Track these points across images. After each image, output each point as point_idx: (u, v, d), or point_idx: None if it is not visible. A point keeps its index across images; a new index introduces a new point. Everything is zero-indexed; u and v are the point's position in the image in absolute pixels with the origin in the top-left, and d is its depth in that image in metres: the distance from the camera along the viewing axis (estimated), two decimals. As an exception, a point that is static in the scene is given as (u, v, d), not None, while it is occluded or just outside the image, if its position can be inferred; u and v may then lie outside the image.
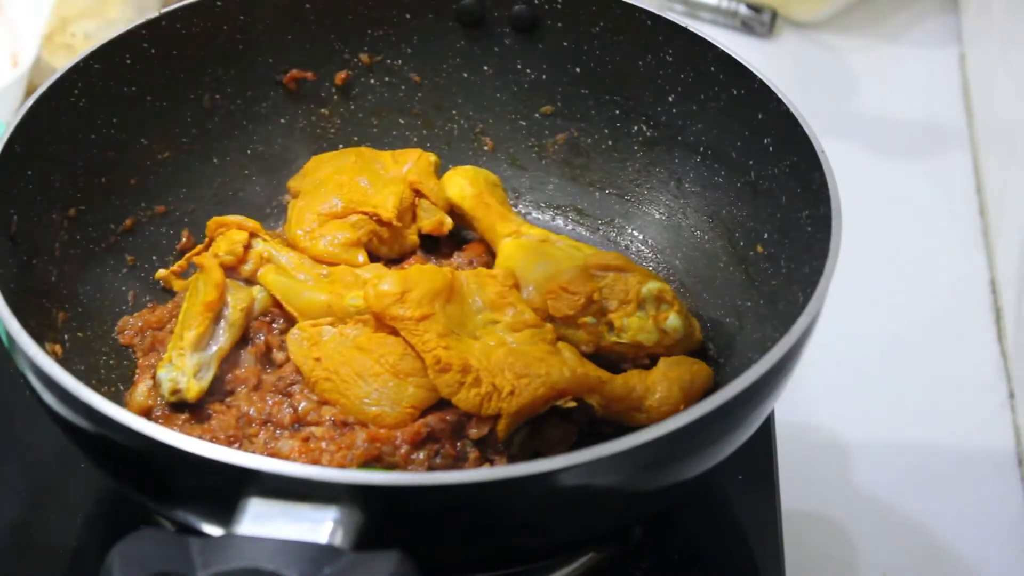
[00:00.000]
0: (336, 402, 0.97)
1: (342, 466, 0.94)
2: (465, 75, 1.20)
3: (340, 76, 1.19)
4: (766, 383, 0.86)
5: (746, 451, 0.94)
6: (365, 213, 1.10)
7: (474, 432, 0.96)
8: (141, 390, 1.01)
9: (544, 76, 1.19)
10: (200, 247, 1.08)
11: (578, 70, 1.17)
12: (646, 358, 1.04)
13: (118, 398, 1.03)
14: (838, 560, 1.17)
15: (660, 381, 0.99)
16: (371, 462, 0.94)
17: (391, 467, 0.95)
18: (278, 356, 1.03)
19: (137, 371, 1.04)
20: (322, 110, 1.20)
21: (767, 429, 1.10)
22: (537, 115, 1.20)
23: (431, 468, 0.95)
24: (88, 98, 1.06)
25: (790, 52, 1.73)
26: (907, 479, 1.23)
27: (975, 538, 1.19)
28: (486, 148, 1.21)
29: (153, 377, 1.01)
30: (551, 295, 1.03)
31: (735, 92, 1.08)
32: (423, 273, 1.00)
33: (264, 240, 1.07)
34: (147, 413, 1.00)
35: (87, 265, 1.06)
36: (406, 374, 0.97)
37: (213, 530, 0.84)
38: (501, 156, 1.21)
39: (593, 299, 1.03)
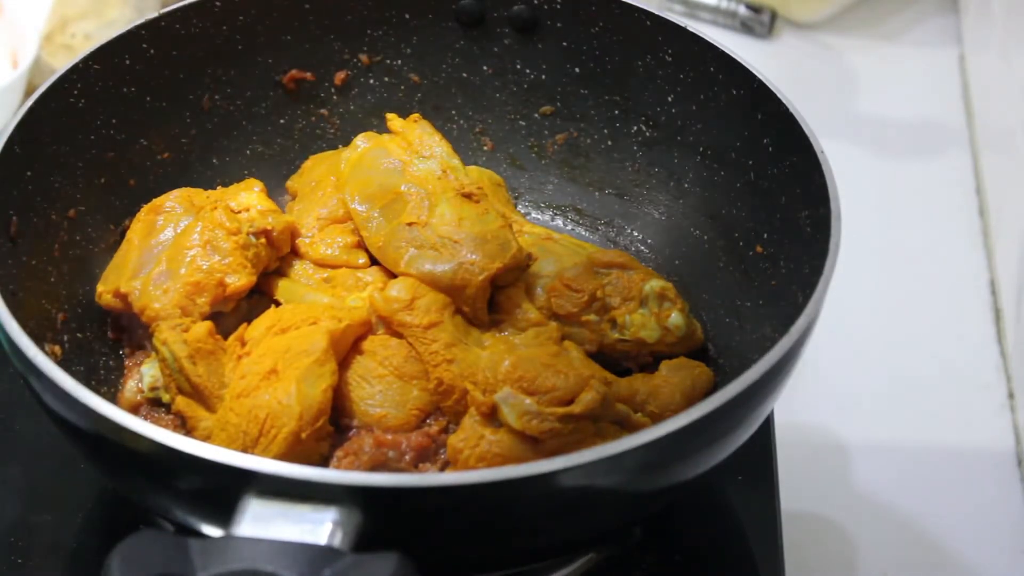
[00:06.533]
0: (340, 404, 0.97)
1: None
2: (465, 75, 1.20)
3: (340, 76, 1.19)
4: (766, 383, 0.86)
5: (746, 451, 0.94)
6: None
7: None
8: (131, 387, 1.02)
9: (544, 76, 1.19)
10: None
11: (578, 70, 1.17)
12: (648, 356, 1.04)
13: (117, 399, 1.03)
14: (838, 560, 1.17)
15: (663, 386, 0.99)
16: (378, 468, 0.94)
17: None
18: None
19: (126, 368, 1.04)
20: (322, 110, 1.20)
21: (767, 429, 1.10)
22: (537, 115, 1.20)
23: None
24: (88, 98, 1.06)
25: (790, 52, 1.73)
26: (907, 479, 1.23)
27: (975, 538, 1.19)
28: (486, 148, 1.21)
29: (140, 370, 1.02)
30: (555, 292, 1.03)
31: (735, 92, 1.08)
32: None
33: (264, 241, 1.07)
34: (136, 409, 1.00)
35: (87, 265, 1.06)
36: (411, 377, 0.97)
37: (212, 531, 0.84)
38: (501, 156, 1.21)
39: (596, 296, 1.03)
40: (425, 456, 0.95)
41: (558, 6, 1.15)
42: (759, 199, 1.07)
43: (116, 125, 1.09)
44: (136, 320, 1.02)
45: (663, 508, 0.98)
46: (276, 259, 1.06)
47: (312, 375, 0.93)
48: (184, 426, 0.97)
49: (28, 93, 1.20)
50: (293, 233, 1.07)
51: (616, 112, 1.17)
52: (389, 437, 0.95)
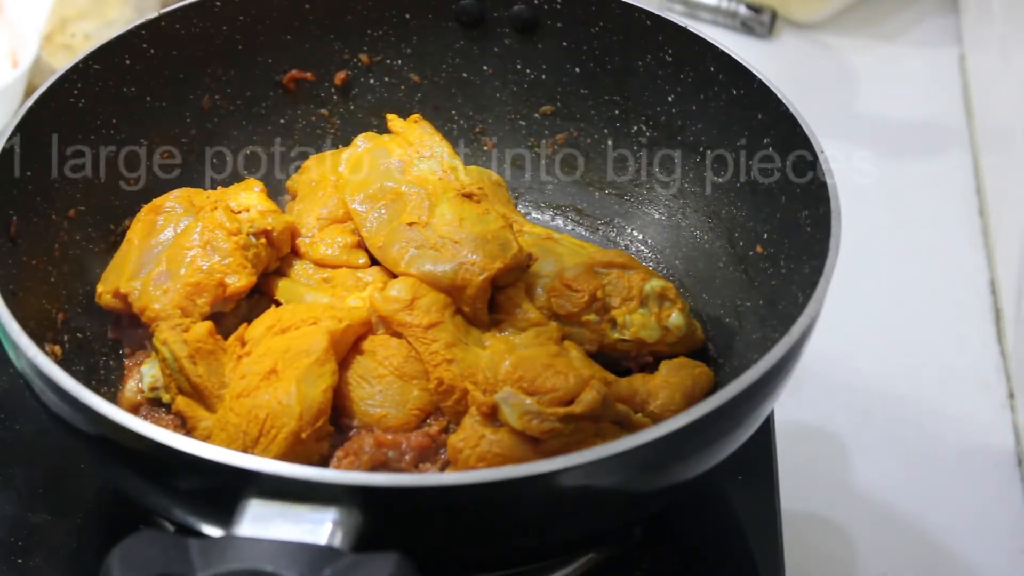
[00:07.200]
0: (339, 404, 0.97)
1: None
2: (465, 75, 1.20)
3: (340, 76, 1.19)
4: (766, 383, 0.86)
5: (746, 451, 0.94)
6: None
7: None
8: (131, 387, 1.02)
9: (544, 76, 1.19)
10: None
11: (578, 70, 1.17)
12: (648, 356, 1.04)
13: (117, 399, 1.03)
14: (838, 560, 1.17)
15: (662, 387, 0.99)
16: (378, 468, 0.94)
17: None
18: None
19: (126, 368, 1.04)
20: (322, 110, 1.20)
21: (767, 429, 1.10)
22: (537, 115, 1.20)
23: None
24: (88, 98, 1.06)
25: (790, 52, 1.73)
26: (907, 479, 1.23)
27: (975, 538, 1.19)
28: (486, 148, 1.21)
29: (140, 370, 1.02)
30: (555, 292, 1.03)
31: (735, 92, 1.08)
32: None
33: (264, 241, 1.07)
34: (136, 409, 1.00)
35: (87, 265, 1.06)
36: (411, 377, 0.97)
37: (213, 531, 0.84)
38: (501, 156, 1.21)
39: (596, 296, 1.03)
40: (425, 456, 0.95)
41: (558, 6, 1.15)
42: (759, 199, 1.07)
43: (116, 125, 1.09)
44: (136, 320, 1.02)
45: (663, 508, 0.98)
46: (276, 259, 1.06)
47: (312, 375, 0.93)
48: (184, 426, 0.97)
49: (28, 93, 1.20)
50: (293, 233, 1.07)
51: (616, 112, 1.17)
52: (389, 437, 0.95)
